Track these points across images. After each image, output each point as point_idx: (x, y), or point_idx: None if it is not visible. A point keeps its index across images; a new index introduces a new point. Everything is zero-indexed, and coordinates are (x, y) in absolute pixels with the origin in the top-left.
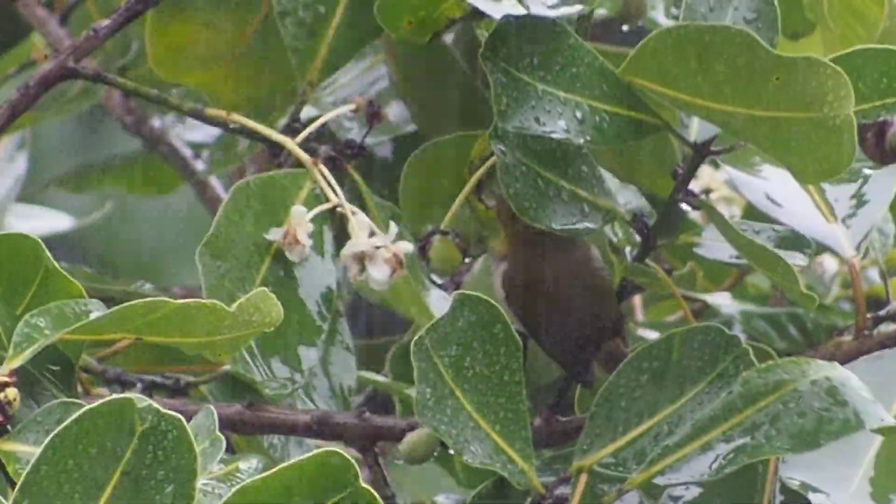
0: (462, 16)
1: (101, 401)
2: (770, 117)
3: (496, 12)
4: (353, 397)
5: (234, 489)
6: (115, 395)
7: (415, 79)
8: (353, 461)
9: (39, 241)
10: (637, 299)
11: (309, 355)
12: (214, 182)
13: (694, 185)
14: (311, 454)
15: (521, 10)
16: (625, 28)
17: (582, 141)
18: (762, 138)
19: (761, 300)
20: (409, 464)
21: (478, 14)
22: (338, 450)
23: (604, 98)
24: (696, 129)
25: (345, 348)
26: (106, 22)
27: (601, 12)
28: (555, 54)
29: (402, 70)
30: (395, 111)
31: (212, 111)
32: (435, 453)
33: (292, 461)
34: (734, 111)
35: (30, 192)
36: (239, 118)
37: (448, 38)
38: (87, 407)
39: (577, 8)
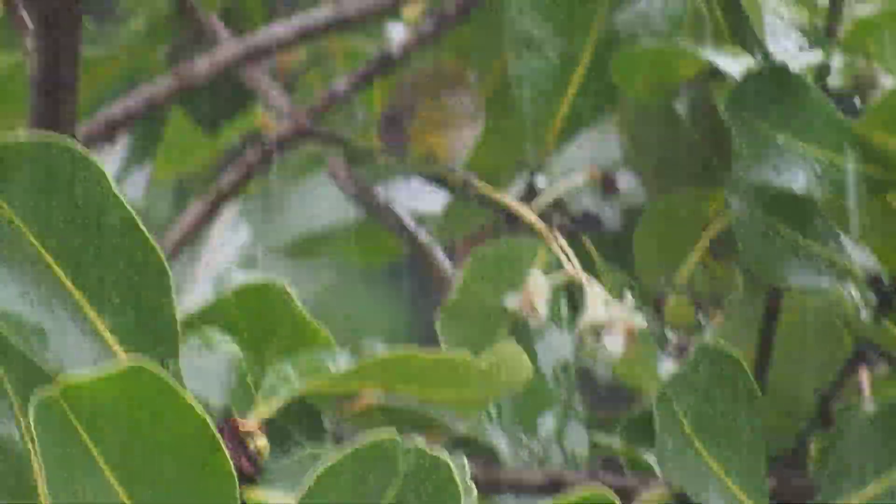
0: (697, 74)
1: (365, 439)
2: None
3: (735, 68)
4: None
5: None
6: (379, 432)
7: (645, 145)
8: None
9: (287, 287)
10: (864, 375)
11: (545, 423)
12: (438, 252)
13: None
14: (579, 491)
15: (760, 65)
16: (857, 101)
17: (820, 195)
18: None
19: None
20: None
21: (714, 72)
22: (606, 491)
23: (842, 152)
24: None
25: (577, 418)
26: (343, 84)
27: (835, 83)
28: (795, 107)
29: (632, 137)
30: (624, 180)
31: (449, 174)
32: None
33: (566, 495)
34: None
35: (250, 259)
36: (477, 182)
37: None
38: (352, 446)
39: (818, 55)
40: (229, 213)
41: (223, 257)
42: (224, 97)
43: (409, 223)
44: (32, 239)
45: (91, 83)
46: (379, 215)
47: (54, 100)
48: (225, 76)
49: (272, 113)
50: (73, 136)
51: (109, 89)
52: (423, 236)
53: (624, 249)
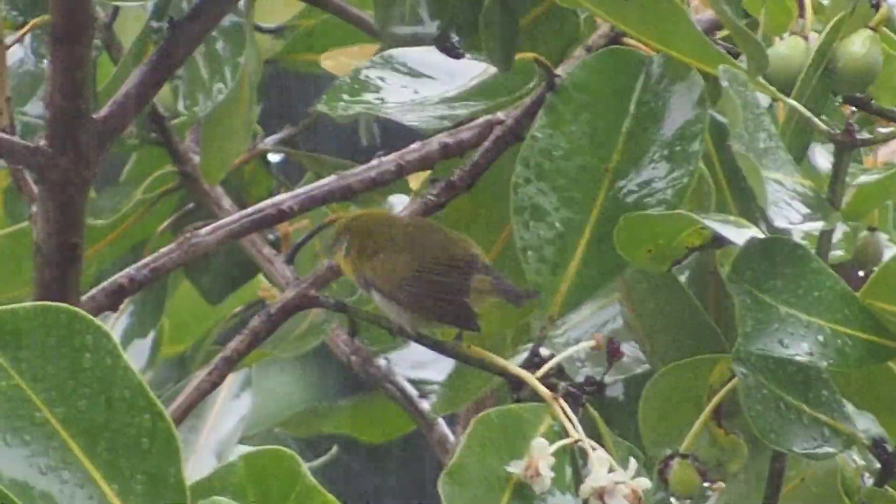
0: (702, 244)
1: None
2: None
3: (738, 237)
4: None
5: None
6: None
7: (649, 316)
8: None
9: (296, 456)
10: None
11: None
12: (441, 422)
13: None
14: None
15: (763, 235)
16: (861, 273)
17: (824, 364)
18: None
19: None
20: None
21: (718, 241)
22: None
23: (845, 321)
24: None
25: None
26: None
27: (838, 253)
28: (798, 277)
29: (636, 308)
30: (626, 351)
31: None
32: None
33: None
34: None
35: (253, 432)
36: (480, 351)
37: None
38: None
39: (820, 224)
40: (231, 383)
41: (225, 428)
42: (228, 270)
43: (412, 393)
44: (41, 405)
45: (94, 252)
46: (381, 385)
47: (60, 267)
48: (228, 250)
49: (275, 281)
50: (79, 303)
51: (112, 258)
52: (426, 406)
53: (628, 416)
